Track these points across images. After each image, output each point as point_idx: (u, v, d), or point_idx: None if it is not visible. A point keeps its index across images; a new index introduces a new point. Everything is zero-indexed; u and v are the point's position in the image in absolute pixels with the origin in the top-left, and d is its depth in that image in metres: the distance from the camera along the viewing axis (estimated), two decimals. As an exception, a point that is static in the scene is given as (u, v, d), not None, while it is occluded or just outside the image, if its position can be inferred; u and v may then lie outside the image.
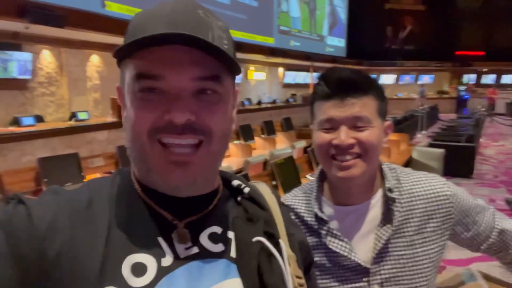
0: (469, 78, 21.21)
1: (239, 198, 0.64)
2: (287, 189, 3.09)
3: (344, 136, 0.85)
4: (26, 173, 3.19)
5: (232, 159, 5.32)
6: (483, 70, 21.29)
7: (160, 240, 0.55)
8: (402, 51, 21.32)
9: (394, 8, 21.70)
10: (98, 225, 0.53)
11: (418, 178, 0.96)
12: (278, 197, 0.70)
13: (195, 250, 0.56)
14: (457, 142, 7.02)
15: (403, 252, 0.90)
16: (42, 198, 0.56)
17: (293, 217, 0.96)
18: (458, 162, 6.43)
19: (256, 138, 6.51)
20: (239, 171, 3.92)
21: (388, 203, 0.91)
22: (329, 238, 0.91)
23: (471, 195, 0.98)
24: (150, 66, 0.52)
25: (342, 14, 18.36)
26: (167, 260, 0.53)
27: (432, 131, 10.79)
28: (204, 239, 0.57)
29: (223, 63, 0.54)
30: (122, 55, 0.54)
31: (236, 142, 6.08)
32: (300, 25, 14.13)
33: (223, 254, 0.57)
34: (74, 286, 0.49)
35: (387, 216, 0.91)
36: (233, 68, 0.56)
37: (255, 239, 0.57)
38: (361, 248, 0.90)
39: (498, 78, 21.08)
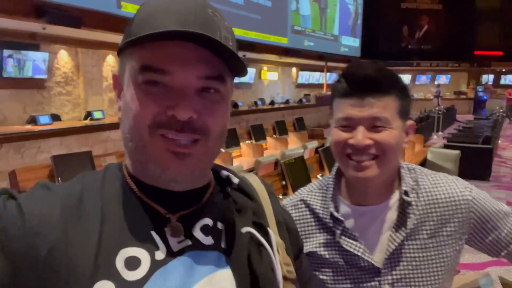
0: (488, 78, 20.75)
1: (228, 189, 0.64)
2: (296, 189, 3.07)
3: (360, 136, 0.83)
4: (40, 170, 3.26)
5: (243, 159, 5.33)
6: (502, 70, 20.79)
7: (153, 233, 0.55)
8: (418, 51, 20.99)
9: (410, 7, 21.37)
10: (91, 220, 0.53)
11: (438, 181, 0.92)
12: (268, 187, 0.71)
13: (188, 242, 0.56)
14: (474, 143, 6.88)
15: (415, 255, 0.88)
16: (32, 193, 0.55)
17: (307, 212, 0.96)
18: (474, 164, 6.29)
19: (268, 138, 6.50)
20: (250, 170, 3.92)
21: (404, 206, 0.89)
22: (343, 237, 0.90)
23: (494, 200, 0.94)
24: (157, 59, 0.52)
25: (360, 13, 18.16)
26: (161, 254, 0.54)
27: (448, 132, 10.60)
28: (196, 231, 0.58)
29: (227, 63, 0.55)
30: (127, 44, 0.53)
31: (248, 142, 6.09)
32: (311, 24, 14.03)
33: (214, 246, 0.58)
34: (69, 281, 0.49)
35: (402, 219, 0.89)
36: (239, 68, 0.56)
37: (244, 229, 0.58)
38: (375, 249, 0.89)
39: (518, 79, 20.56)
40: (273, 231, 0.62)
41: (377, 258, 0.89)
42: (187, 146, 0.53)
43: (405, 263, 0.88)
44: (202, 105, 0.53)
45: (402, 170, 0.93)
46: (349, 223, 0.92)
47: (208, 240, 0.57)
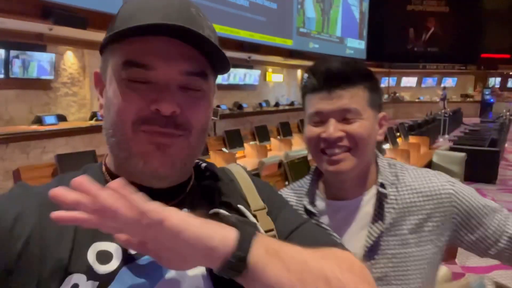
0: (495, 81, 20.60)
1: (201, 176, 0.65)
2: (299, 190, 3.07)
3: (332, 129, 0.83)
4: (44, 169, 3.29)
5: (247, 160, 5.32)
6: (509, 73, 20.63)
7: None
8: (424, 53, 20.90)
9: (417, 9, 21.30)
10: None
11: (419, 175, 0.91)
12: (247, 171, 0.72)
13: None
14: (480, 146, 6.82)
15: (396, 251, 0.86)
16: (9, 192, 0.56)
17: None
18: (481, 167, 6.23)
19: (272, 140, 6.49)
20: (253, 171, 3.92)
21: (381, 199, 0.88)
22: None
23: (481, 196, 0.91)
24: (141, 55, 0.52)
25: (356, 13, 18.13)
26: None
27: (455, 135, 10.52)
28: None
29: (210, 60, 0.55)
30: (110, 40, 0.54)
31: (252, 143, 6.09)
32: (315, 26, 14.03)
33: None
34: (43, 273, 0.49)
35: (379, 213, 0.87)
36: (222, 65, 0.57)
37: (211, 211, 0.58)
38: (353, 245, 0.86)
39: (526, 82, 20.39)
40: (252, 201, 0.63)
41: (355, 255, 0.86)
42: (168, 135, 0.53)
43: (385, 260, 0.85)
44: (184, 100, 0.54)
45: (381, 164, 0.92)
46: (325, 219, 0.91)
47: None
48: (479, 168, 6.17)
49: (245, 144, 5.68)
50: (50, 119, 6.13)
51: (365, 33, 18.24)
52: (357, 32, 17.39)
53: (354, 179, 0.89)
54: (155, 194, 0.56)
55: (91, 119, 6.97)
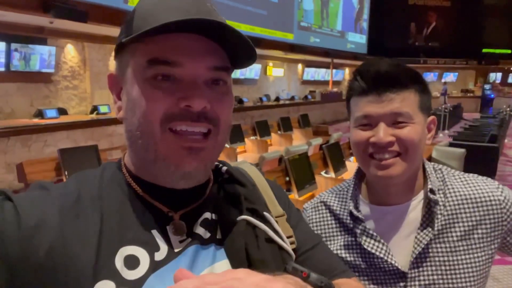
0: (495, 76, 20.56)
1: (219, 179, 0.64)
2: (300, 185, 3.10)
3: (382, 133, 0.79)
4: (48, 163, 3.30)
5: (247, 155, 5.34)
6: (510, 68, 20.58)
7: (154, 232, 0.54)
8: (425, 48, 20.84)
9: (418, 3, 21.19)
10: (90, 219, 0.52)
11: (467, 180, 0.88)
12: (262, 172, 0.72)
13: (189, 240, 0.56)
14: (479, 142, 6.83)
15: (445, 258, 0.83)
16: (29, 194, 0.54)
17: (327, 213, 0.94)
18: (480, 163, 6.24)
19: (273, 134, 6.50)
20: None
21: (430, 205, 0.85)
22: (364, 237, 0.86)
23: None
24: (166, 52, 0.51)
25: (366, 9, 18.04)
26: (161, 253, 0.53)
27: (455, 131, 10.53)
28: (197, 227, 0.57)
29: (232, 54, 0.55)
30: (131, 40, 0.52)
31: (252, 138, 6.10)
32: (313, 19, 13.95)
33: (211, 239, 0.57)
34: (69, 282, 0.48)
35: (428, 219, 0.84)
36: (246, 56, 0.56)
37: (239, 218, 0.58)
38: (399, 252, 0.84)
39: (526, 77, 20.38)
40: (273, 207, 0.64)
41: (402, 262, 0.84)
42: (200, 140, 0.53)
43: (433, 268, 0.83)
44: (212, 96, 0.53)
45: (428, 169, 0.89)
46: (370, 224, 0.88)
47: (207, 234, 0.57)
48: (479, 164, 6.18)
49: (245, 139, 5.70)
50: (51, 113, 6.14)
51: (366, 27, 18.15)
52: (358, 27, 17.30)
53: (402, 185, 0.86)
54: (176, 197, 0.57)
55: (91, 112, 6.97)
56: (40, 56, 6.76)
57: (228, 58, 0.56)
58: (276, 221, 0.62)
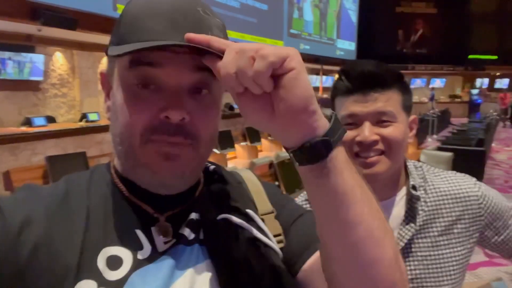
0: (482, 82, 20.91)
1: (210, 181, 0.64)
2: (289, 189, 3.11)
3: (367, 132, 0.81)
4: (35, 171, 3.26)
5: (238, 161, 5.34)
6: (497, 74, 20.97)
7: (139, 233, 0.54)
8: (413, 54, 21.12)
9: (406, 11, 21.53)
10: (76, 218, 0.52)
11: (446, 177, 0.91)
12: (257, 177, 0.71)
13: (174, 240, 0.55)
14: (467, 146, 6.93)
15: (427, 253, 0.85)
16: (16, 194, 0.55)
17: None
18: (468, 167, 6.31)
19: (263, 140, 6.52)
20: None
21: (412, 201, 0.87)
22: None
23: (504, 198, 0.92)
24: (147, 53, 0.50)
25: (353, 17, 18.30)
26: (144, 253, 0.53)
27: (443, 135, 10.66)
28: (183, 228, 0.57)
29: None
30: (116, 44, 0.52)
31: (243, 143, 6.11)
32: (312, 29, 14.16)
33: (195, 239, 0.57)
34: (52, 280, 0.48)
35: (410, 215, 0.86)
36: None
37: (219, 217, 0.58)
38: None
39: (512, 83, 20.76)
40: (261, 203, 0.63)
41: None
42: (177, 145, 0.52)
43: (416, 262, 0.85)
44: (194, 107, 0.52)
45: (409, 166, 0.91)
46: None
47: (191, 235, 0.57)
48: (466, 168, 6.24)
49: (236, 145, 5.70)
50: (39, 121, 6.08)
51: (355, 34, 18.38)
52: (347, 34, 17.52)
53: (386, 181, 0.88)
54: (163, 200, 0.56)
55: (80, 120, 6.92)
56: (28, 64, 6.71)
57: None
58: (262, 219, 0.61)
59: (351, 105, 0.84)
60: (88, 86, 8.03)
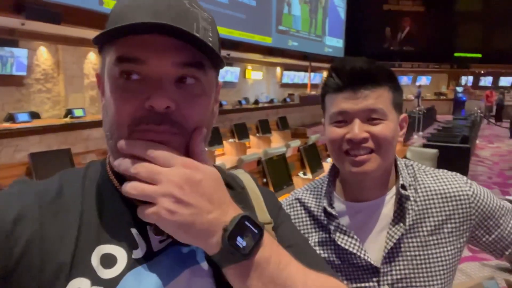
0: (467, 80, 21.29)
1: None
2: (277, 187, 3.12)
3: (357, 129, 0.80)
4: (17, 168, 3.19)
5: (226, 157, 5.33)
6: (481, 72, 21.37)
7: (134, 231, 0.53)
8: (400, 52, 21.37)
9: (393, 9, 21.75)
10: (70, 215, 0.51)
11: (437, 176, 0.89)
12: (255, 180, 0.71)
13: (169, 240, 0.54)
14: (452, 143, 7.05)
15: (416, 253, 0.84)
16: (8, 190, 0.53)
17: (302, 210, 0.93)
18: (452, 163, 6.43)
19: (251, 137, 6.52)
20: (232, 169, 3.93)
21: (402, 201, 0.86)
22: (338, 234, 0.86)
23: (495, 196, 0.91)
24: (131, 49, 0.50)
25: (342, 14, 18.39)
26: (139, 252, 0.52)
27: (428, 132, 10.82)
28: None
29: (207, 55, 0.52)
30: (102, 41, 0.52)
31: (231, 140, 6.09)
32: (300, 25, 14.18)
33: None
34: (45, 277, 0.47)
35: (400, 214, 0.86)
36: (216, 60, 0.53)
37: None
38: (372, 247, 0.85)
39: (495, 80, 21.18)
40: (261, 211, 0.63)
41: (375, 257, 0.85)
42: (164, 133, 0.50)
43: (405, 262, 0.84)
44: (180, 96, 0.51)
45: (400, 165, 0.90)
46: (344, 220, 0.88)
47: None
48: (451, 164, 6.36)
49: (224, 142, 5.69)
50: (22, 117, 5.96)
51: (343, 31, 18.48)
52: (336, 31, 17.60)
53: (376, 180, 0.87)
54: None
55: (65, 116, 6.81)
56: (11, 58, 6.57)
57: (206, 56, 0.52)
58: None
59: (341, 102, 0.82)
60: (73, 82, 7.91)
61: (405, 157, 5.41)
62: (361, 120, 0.81)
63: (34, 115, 6.60)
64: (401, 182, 0.87)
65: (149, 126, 0.50)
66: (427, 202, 0.86)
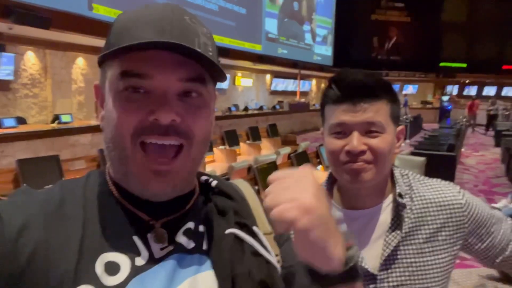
0: (452, 89, 21.72)
1: (210, 194, 0.64)
2: (269, 194, 3.11)
3: (356, 142, 0.82)
4: (5, 175, 3.12)
5: (216, 164, 5.32)
6: (466, 81, 21.84)
7: (136, 239, 0.54)
8: (387, 61, 21.72)
9: (380, 19, 22.13)
10: (72, 225, 0.52)
11: (432, 185, 0.92)
12: (255, 190, 0.72)
13: (170, 248, 0.56)
14: (438, 151, 7.16)
15: (412, 260, 0.86)
16: (12, 199, 0.54)
17: None
18: (439, 171, 6.52)
19: (241, 144, 6.52)
20: (223, 176, 3.92)
21: (398, 209, 0.88)
22: None
23: (487, 205, 0.94)
24: (136, 64, 0.51)
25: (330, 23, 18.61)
26: (142, 259, 0.53)
27: (415, 140, 10.98)
28: (180, 236, 0.57)
29: (207, 69, 0.54)
30: (106, 57, 0.53)
31: (221, 147, 6.09)
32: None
33: (196, 249, 0.57)
34: (50, 285, 0.48)
35: (396, 222, 0.88)
36: (218, 74, 0.56)
37: (227, 231, 0.58)
38: (370, 254, 0.87)
39: (480, 90, 21.65)
40: (262, 223, 0.63)
41: (372, 264, 0.86)
42: (167, 162, 0.53)
43: (401, 269, 0.86)
44: (184, 109, 0.53)
45: (396, 174, 0.92)
46: (341, 228, 0.90)
47: (190, 244, 0.57)
48: (438, 172, 6.44)
49: (214, 149, 5.67)
50: (9, 122, 5.85)
51: (331, 40, 18.71)
52: (324, 40, 17.79)
53: (372, 189, 0.89)
54: (157, 206, 0.56)
55: (53, 122, 6.70)
56: (3, 64, 6.45)
57: (206, 70, 0.55)
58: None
59: (340, 114, 0.84)
60: (61, 87, 7.81)
61: (393, 164, 5.47)
62: (359, 133, 0.83)
63: (21, 120, 6.48)
64: (398, 190, 0.89)
65: (153, 137, 0.52)
66: (422, 210, 0.88)
